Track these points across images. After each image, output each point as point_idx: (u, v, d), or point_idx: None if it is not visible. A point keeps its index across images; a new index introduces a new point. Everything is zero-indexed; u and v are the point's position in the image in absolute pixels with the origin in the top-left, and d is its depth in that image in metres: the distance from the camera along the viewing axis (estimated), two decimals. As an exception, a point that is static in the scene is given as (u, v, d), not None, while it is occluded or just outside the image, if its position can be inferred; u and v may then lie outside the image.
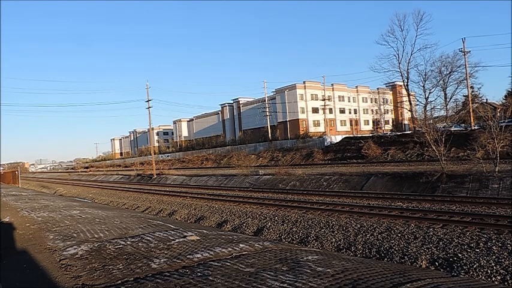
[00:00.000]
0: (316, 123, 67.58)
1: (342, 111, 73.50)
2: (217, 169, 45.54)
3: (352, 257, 7.12)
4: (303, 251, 6.11)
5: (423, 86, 44.04)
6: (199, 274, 4.49)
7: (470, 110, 39.35)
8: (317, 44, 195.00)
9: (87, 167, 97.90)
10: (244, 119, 79.93)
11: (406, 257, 8.99)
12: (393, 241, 10.00)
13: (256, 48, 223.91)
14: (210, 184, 31.59)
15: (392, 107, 73.95)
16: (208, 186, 29.72)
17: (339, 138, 46.98)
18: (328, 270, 4.49)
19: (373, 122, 74.37)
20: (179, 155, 75.34)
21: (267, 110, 62.91)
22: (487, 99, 49.57)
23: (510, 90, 45.81)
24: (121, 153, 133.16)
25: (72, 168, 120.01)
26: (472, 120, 38.57)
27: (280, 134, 64.50)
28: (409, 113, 50.22)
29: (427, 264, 8.48)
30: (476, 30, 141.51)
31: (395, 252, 9.37)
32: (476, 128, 34.06)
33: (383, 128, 66.63)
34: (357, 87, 76.50)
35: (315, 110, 66.72)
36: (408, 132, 48.18)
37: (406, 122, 72.50)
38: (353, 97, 76.12)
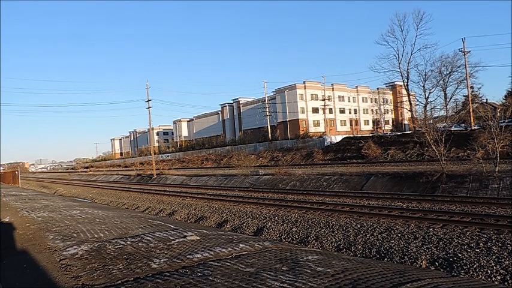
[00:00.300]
0: (316, 123, 67.58)
1: (342, 111, 73.51)
2: (217, 169, 45.54)
3: (352, 257, 7.12)
4: (303, 251, 6.11)
5: (423, 86, 44.11)
6: (199, 274, 4.49)
7: (470, 110, 39.35)
8: (317, 44, 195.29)
9: (87, 167, 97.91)
10: (244, 119, 79.92)
11: (406, 257, 8.99)
12: (393, 241, 10.00)
13: (256, 48, 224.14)
14: (210, 184, 31.59)
15: (392, 107, 73.96)
16: (208, 186, 29.72)
17: (339, 138, 46.98)
18: (328, 270, 4.49)
19: (373, 122, 74.39)
20: (179, 155, 75.34)
21: (267, 110, 62.91)
22: (487, 99, 49.62)
23: (510, 90, 45.81)
24: (121, 153, 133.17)
25: (72, 168, 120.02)
26: (472, 120, 38.56)
27: (280, 134, 64.51)
28: (409, 113, 50.23)
29: (427, 264, 8.48)
30: (476, 30, 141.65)
31: (395, 252, 9.37)
32: (476, 128, 34.06)
33: (383, 128, 66.66)
34: (357, 87, 76.49)
35: (315, 110, 66.72)
36: (408, 132, 48.19)
37: (406, 122, 72.51)
38: (353, 97, 76.12)
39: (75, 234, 7.87)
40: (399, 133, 45.29)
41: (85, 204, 18.65)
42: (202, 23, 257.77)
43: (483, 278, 7.36)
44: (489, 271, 7.49)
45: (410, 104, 46.70)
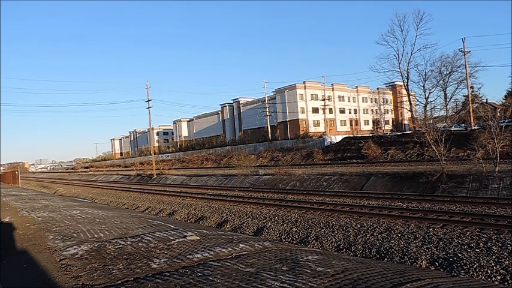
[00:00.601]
0: (316, 123, 67.57)
1: (342, 111, 73.50)
2: (217, 169, 45.54)
3: (352, 257, 7.12)
4: (303, 251, 6.11)
5: (423, 86, 44.10)
6: (199, 274, 4.49)
7: (470, 110, 39.34)
8: (317, 44, 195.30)
9: (87, 167, 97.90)
10: (244, 119, 79.91)
11: (406, 257, 8.99)
12: (393, 241, 10.00)
13: (256, 48, 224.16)
14: (210, 184, 31.59)
15: (392, 107, 73.94)
16: (208, 186, 29.72)
17: (339, 138, 46.98)
18: (328, 270, 4.49)
19: (373, 122, 74.37)
20: (179, 155, 75.34)
21: (267, 110, 62.90)
22: (487, 99, 49.61)
23: (510, 90, 45.81)
24: (121, 153, 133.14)
25: (72, 168, 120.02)
26: (472, 120, 38.56)
27: (280, 134, 64.50)
28: (409, 113, 50.23)
29: (427, 264, 8.48)
30: (476, 30, 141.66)
31: (395, 252, 9.36)
32: (476, 128, 34.05)
33: (383, 128, 66.64)
34: (357, 87, 76.48)
35: (315, 110, 66.71)
36: (408, 132, 48.19)
37: (406, 122, 72.50)
38: (353, 97, 76.11)
39: (75, 234, 7.87)
40: (399, 133, 45.29)
41: (85, 204, 18.65)
42: (202, 23, 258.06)
43: (483, 278, 7.36)
44: (489, 271, 7.49)
45: (410, 104, 46.70)
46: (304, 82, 68.32)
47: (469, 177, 17.48)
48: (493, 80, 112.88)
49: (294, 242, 11.60)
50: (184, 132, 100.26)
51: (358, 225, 11.71)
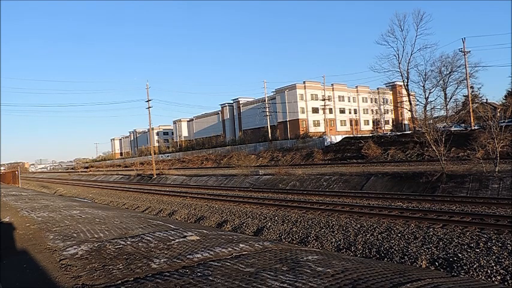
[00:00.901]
0: (316, 123, 67.57)
1: (342, 111, 73.50)
2: (217, 169, 45.54)
3: (352, 257, 7.12)
4: (303, 251, 6.11)
5: (423, 86, 44.11)
6: (199, 274, 4.49)
7: (470, 110, 39.34)
8: (317, 44, 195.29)
9: (87, 167, 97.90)
10: (244, 119, 79.91)
11: (406, 257, 8.99)
12: (393, 241, 10.00)
13: (256, 48, 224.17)
14: (210, 184, 31.59)
15: (392, 107, 73.95)
16: (208, 186, 29.72)
17: (339, 138, 46.98)
18: (328, 270, 4.49)
19: (373, 122, 74.36)
20: (179, 155, 75.34)
21: (267, 110, 62.91)
22: (487, 99, 49.59)
23: (510, 90, 45.82)
24: (121, 153, 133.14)
25: (72, 168, 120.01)
26: (472, 120, 38.56)
27: (280, 134, 64.50)
28: (409, 113, 50.23)
29: (427, 264, 8.48)
30: (476, 30, 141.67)
31: (395, 252, 9.36)
32: (476, 128, 34.06)
33: (383, 128, 66.62)
34: (357, 87, 76.48)
35: (315, 110, 66.71)
36: (408, 132, 48.19)
37: (406, 122, 72.50)
38: (353, 97, 76.11)
39: (75, 234, 7.86)
40: (399, 133, 45.29)
41: (85, 204, 18.65)
42: (202, 23, 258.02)
43: (483, 278, 7.36)
44: (489, 271, 7.49)
45: (410, 104, 46.70)
46: (304, 82, 68.33)
47: (469, 177, 17.48)
48: (493, 80, 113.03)
49: (294, 242, 11.60)
50: (184, 132, 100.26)
51: (358, 225, 11.71)
